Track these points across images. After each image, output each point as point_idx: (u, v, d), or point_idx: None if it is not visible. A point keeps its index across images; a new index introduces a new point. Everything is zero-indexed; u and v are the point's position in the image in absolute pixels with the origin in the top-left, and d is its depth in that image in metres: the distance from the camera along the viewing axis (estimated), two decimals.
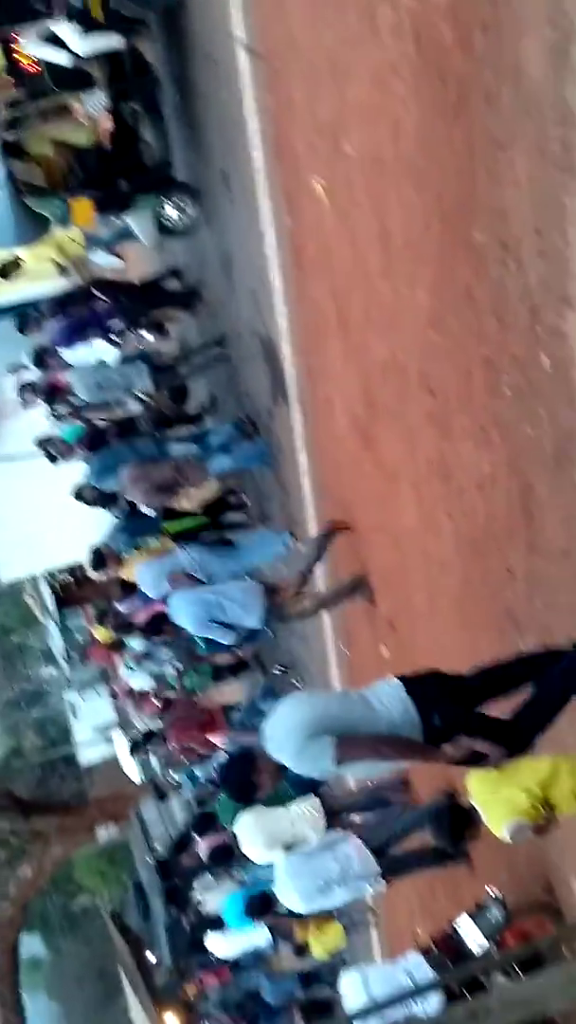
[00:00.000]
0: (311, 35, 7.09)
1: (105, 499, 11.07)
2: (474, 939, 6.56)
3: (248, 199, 9.36)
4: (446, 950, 6.73)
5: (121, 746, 24.69)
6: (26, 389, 12.03)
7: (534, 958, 5.56)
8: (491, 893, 6.62)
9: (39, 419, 12.73)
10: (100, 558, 11.50)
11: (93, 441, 11.51)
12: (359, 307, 7.36)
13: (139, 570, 10.87)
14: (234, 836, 8.68)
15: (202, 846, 11.23)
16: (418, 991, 5.93)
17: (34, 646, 38.06)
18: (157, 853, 16.25)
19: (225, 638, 9.08)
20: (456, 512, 6.51)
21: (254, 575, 10.19)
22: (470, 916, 6.62)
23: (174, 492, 10.54)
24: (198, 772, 12.01)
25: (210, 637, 9.14)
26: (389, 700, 4.96)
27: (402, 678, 5.09)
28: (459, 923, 6.68)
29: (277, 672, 12.26)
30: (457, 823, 5.97)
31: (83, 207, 10.65)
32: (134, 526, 11.19)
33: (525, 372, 5.16)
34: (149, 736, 12.49)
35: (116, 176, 10.74)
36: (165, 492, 10.41)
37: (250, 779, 5.10)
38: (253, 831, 8.26)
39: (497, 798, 5.01)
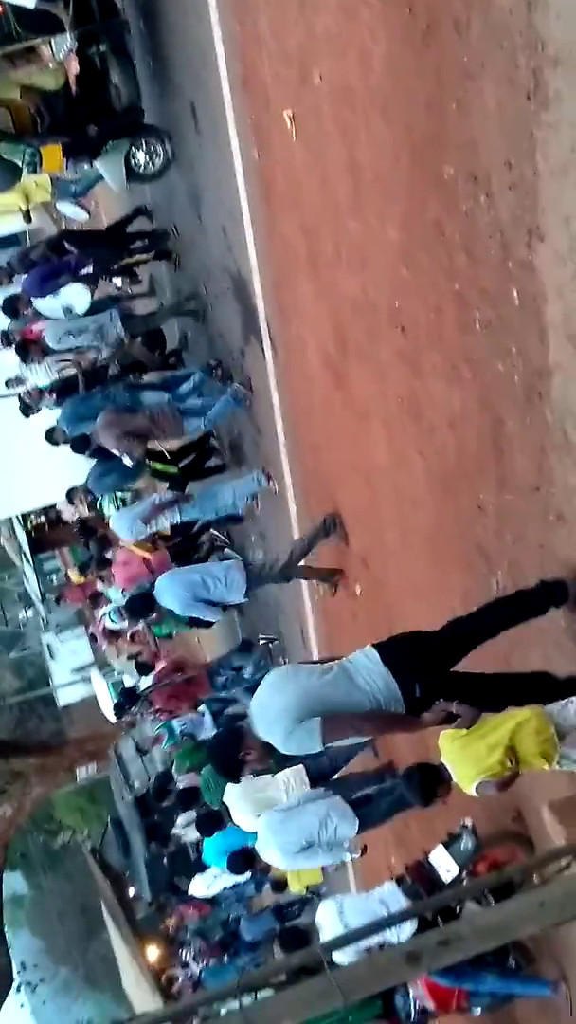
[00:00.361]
0: None
1: (76, 443, 11.03)
2: (447, 868, 6.67)
3: (217, 133, 9.20)
4: (419, 879, 6.86)
5: (99, 686, 24.86)
6: None
7: (505, 886, 5.66)
8: (463, 823, 6.73)
9: (10, 364, 12.60)
10: (71, 493, 11.58)
11: (64, 389, 11.46)
12: (329, 243, 7.29)
13: (114, 519, 10.97)
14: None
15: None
16: (392, 919, 6.03)
17: (10, 588, 38.04)
18: (135, 790, 16.38)
19: (210, 615, 9.26)
20: (427, 449, 6.51)
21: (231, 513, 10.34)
22: (443, 846, 6.74)
23: (145, 441, 10.52)
24: (176, 726, 12.10)
25: (195, 616, 9.30)
26: (369, 675, 5.07)
27: (379, 647, 5.20)
28: (432, 853, 6.80)
29: (263, 642, 12.34)
30: (428, 781, 6.12)
31: (52, 153, 10.46)
32: (112, 472, 11.18)
33: (496, 307, 5.14)
34: (133, 697, 12.59)
35: (85, 121, 10.52)
36: (137, 439, 10.36)
37: (237, 757, 5.20)
38: (241, 801, 8.41)
39: (465, 755, 5.14)
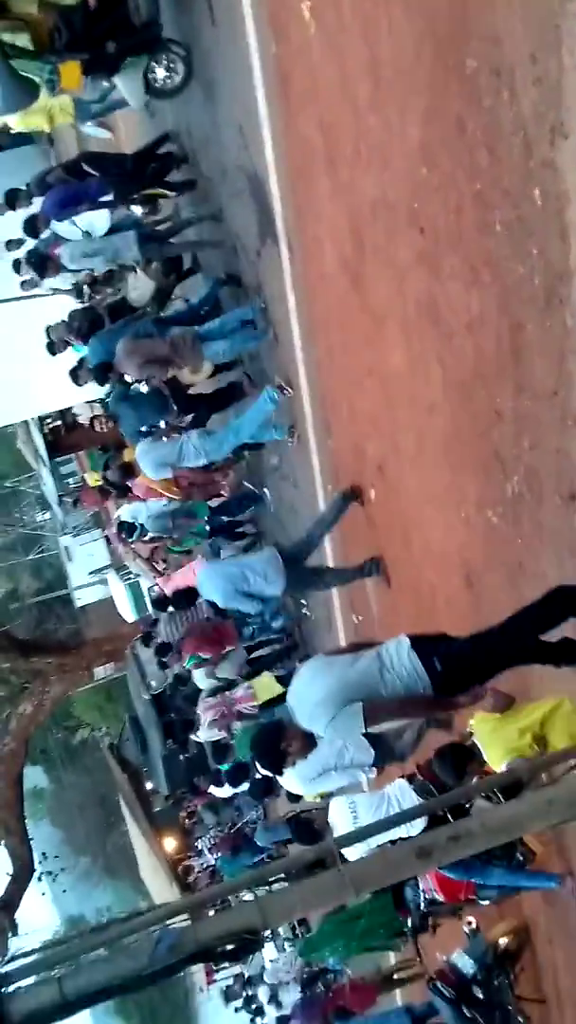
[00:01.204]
0: None
1: (98, 373, 11.08)
2: None
3: (233, 27, 8.93)
4: (430, 777, 7.00)
5: (116, 587, 25.12)
6: (19, 261, 11.95)
7: (515, 784, 5.79)
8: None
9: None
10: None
11: (91, 327, 11.69)
12: (348, 141, 7.13)
13: (140, 453, 11.11)
14: None
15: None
16: (404, 816, 6.18)
17: (28, 491, 38.26)
18: (152, 689, 16.70)
19: (249, 608, 9.53)
20: (445, 353, 6.46)
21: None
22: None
23: (166, 367, 10.53)
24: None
25: (238, 607, 9.60)
26: (399, 660, 5.28)
27: (411, 637, 5.38)
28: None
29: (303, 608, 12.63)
30: (460, 760, 6.35)
31: (71, 70, 10.27)
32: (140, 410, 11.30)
33: (517, 208, 5.05)
34: (164, 649, 12.86)
35: (103, 37, 10.27)
36: (158, 364, 10.38)
37: (280, 748, 5.43)
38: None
39: (496, 737, 5.35)
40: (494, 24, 4.80)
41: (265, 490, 12.70)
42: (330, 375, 9.22)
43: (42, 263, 11.44)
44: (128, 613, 23.02)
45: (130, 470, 12.58)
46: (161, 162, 12.08)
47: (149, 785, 21.02)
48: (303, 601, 12.67)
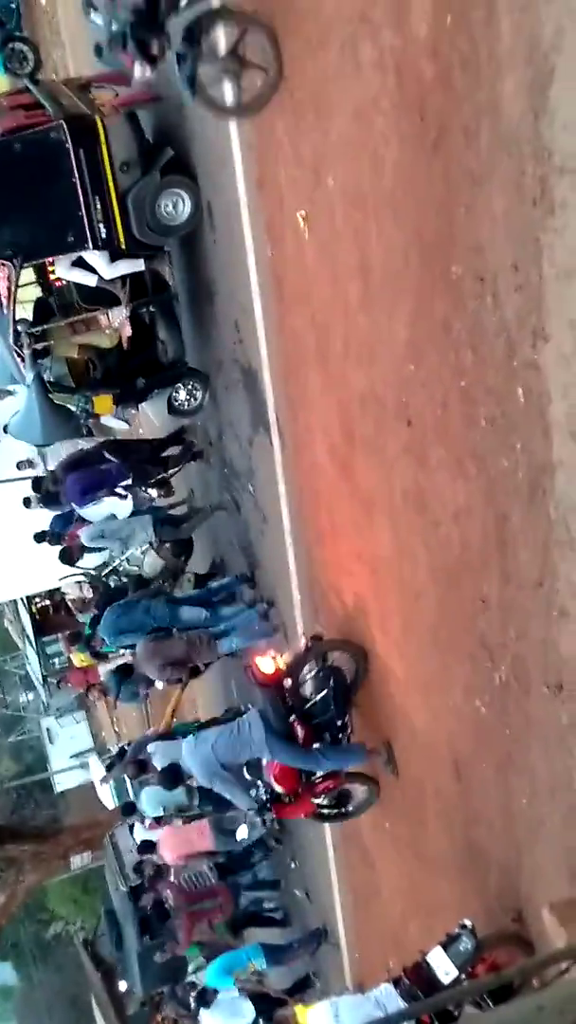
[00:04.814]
0: (294, 69, 7.19)
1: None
2: (445, 970, 6.52)
3: (232, 231, 9.42)
4: (417, 981, 6.69)
5: (97, 772, 24.60)
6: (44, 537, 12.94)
7: (504, 989, 5.55)
8: (462, 924, 6.60)
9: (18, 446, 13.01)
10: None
11: (107, 599, 12.29)
12: (338, 338, 7.43)
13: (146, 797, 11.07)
14: None
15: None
16: (389, 1021, 5.90)
17: (12, 671, 37.86)
18: (130, 881, 16.09)
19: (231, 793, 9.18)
20: (431, 542, 6.55)
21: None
22: (441, 947, 6.60)
23: (185, 665, 11.12)
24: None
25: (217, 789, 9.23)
26: None
27: None
28: (430, 954, 6.66)
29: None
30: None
31: (104, 401, 11.63)
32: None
33: (501, 404, 5.23)
34: (147, 847, 12.80)
35: (134, 374, 11.55)
36: (177, 667, 10.98)
37: None
38: None
39: None
40: (478, 234, 5.09)
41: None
42: (320, 560, 9.32)
43: (68, 553, 12.55)
44: (108, 800, 22.47)
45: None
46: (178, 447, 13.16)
47: (123, 986, 20.00)
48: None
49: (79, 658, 16.70)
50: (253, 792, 8.57)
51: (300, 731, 8.33)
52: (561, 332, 4.58)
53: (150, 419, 13.68)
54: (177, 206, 10.04)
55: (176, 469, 13.07)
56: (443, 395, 5.87)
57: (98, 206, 9.61)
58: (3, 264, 9.59)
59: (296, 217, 7.65)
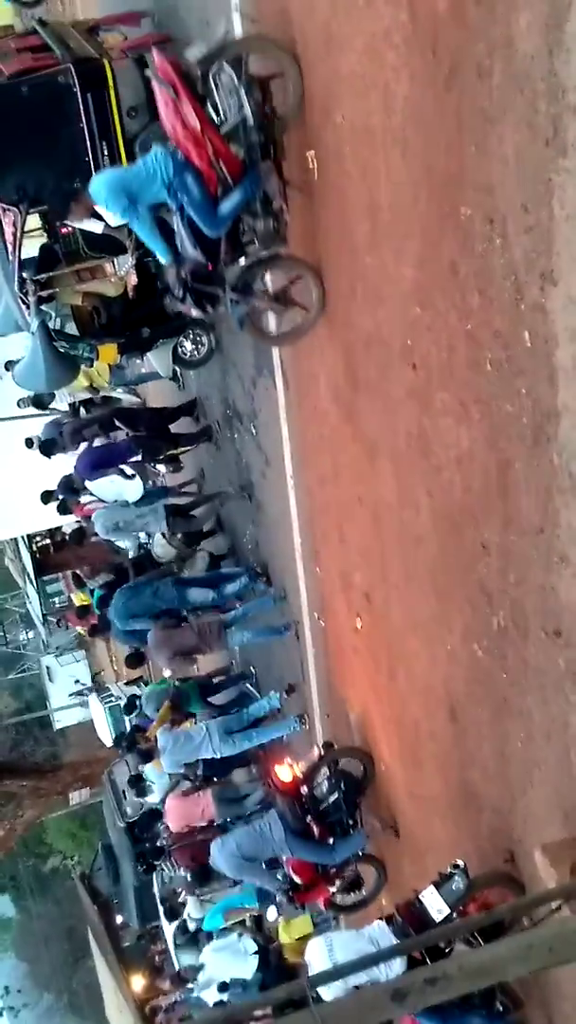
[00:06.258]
0: (303, 3, 7.04)
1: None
2: (437, 908, 6.63)
3: None
4: (410, 918, 6.80)
5: (96, 710, 24.79)
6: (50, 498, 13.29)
7: (495, 928, 5.64)
8: (455, 863, 6.69)
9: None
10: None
11: (115, 579, 12.72)
12: (344, 279, 7.37)
13: (163, 745, 11.30)
14: None
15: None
16: (381, 955, 6.00)
17: (12, 609, 38.03)
18: (128, 816, 16.32)
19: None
20: (434, 487, 6.53)
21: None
22: (434, 886, 6.70)
23: (195, 658, 11.48)
24: None
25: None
26: None
27: None
28: (423, 893, 6.76)
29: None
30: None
31: (108, 350, 11.81)
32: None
33: (507, 348, 5.18)
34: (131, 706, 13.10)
35: (139, 323, 11.54)
36: (186, 657, 11.28)
37: None
38: None
39: None
40: (488, 174, 5.01)
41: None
42: (323, 503, 9.31)
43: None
44: (107, 737, 22.67)
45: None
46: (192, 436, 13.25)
47: (120, 919, 20.33)
48: None
49: (79, 598, 16.82)
50: (279, 877, 9.40)
51: (316, 829, 9.12)
52: (570, 275, 4.52)
53: (159, 390, 13.70)
54: None
55: (187, 448, 13.20)
56: (449, 338, 5.81)
57: (105, 151, 9.46)
58: (8, 209, 9.45)
59: (306, 156, 7.54)
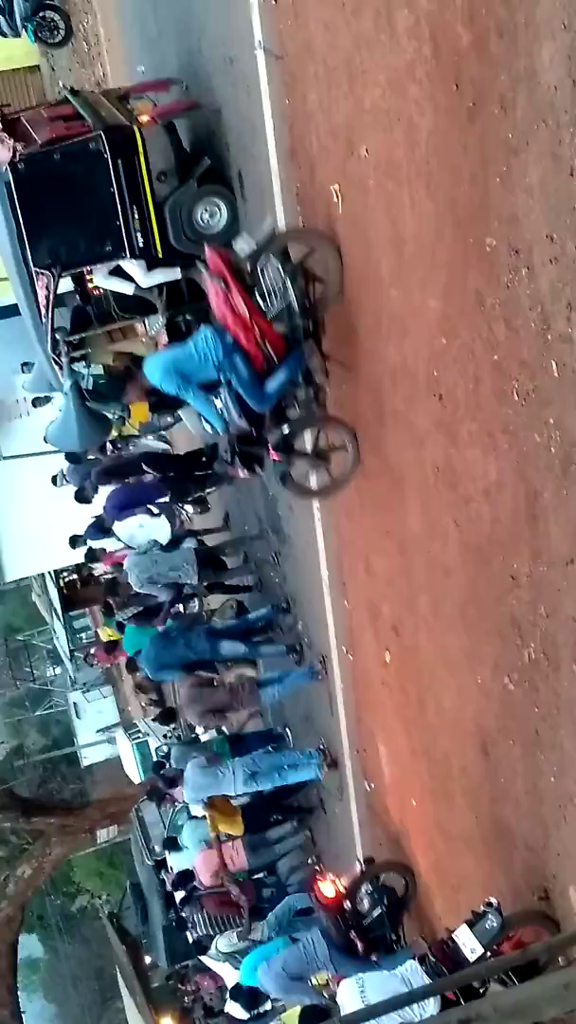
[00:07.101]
0: (327, 38, 7.11)
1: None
2: (471, 947, 6.52)
3: (263, 203, 9.35)
4: (443, 958, 6.69)
5: (123, 747, 24.71)
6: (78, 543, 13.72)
7: (530, 966, 5.54)
8: (488, 902, 6.59)
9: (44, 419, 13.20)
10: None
11: (143, 615, 12.65)
12: (370, 313, 7.38)
13: (187, 776, 11.37)
14: None
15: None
16: (414, 995, 5.90)
17: (40, 645, 38.08)
18: (156, 855, 16.20)
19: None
20: (462, 518, 6.50)
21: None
22: (467, 924, 6.59)
23: (226, 715, 11.52)
24: None
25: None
26: None
27: None
28: (456, 932, 6.65)
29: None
30: None
31: (140, 409, 12.14)
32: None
33: (534, 378, 5.16)
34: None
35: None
36: (218, 714, 11.32)
37: None
38: None
39: None
40: (513, 205, 5.01)
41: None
42: (347, 535, 9.28)
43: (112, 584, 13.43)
44: (135, 774, 22.58)
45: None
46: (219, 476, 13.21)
47: (148, 959, 20.16)
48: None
49: (106, 632, 16.79)
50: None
51: (360, 944, 8.94)
52: None
53: (187, 433, 13.82)
54: (214, 215, 10.02)
55: (213, 488, 13.24)
56: (475, 369, 5.80)
57: (135, 215, 9.64)
58: (42, 273, 9.63)
59: (330, 190, 7.58)
